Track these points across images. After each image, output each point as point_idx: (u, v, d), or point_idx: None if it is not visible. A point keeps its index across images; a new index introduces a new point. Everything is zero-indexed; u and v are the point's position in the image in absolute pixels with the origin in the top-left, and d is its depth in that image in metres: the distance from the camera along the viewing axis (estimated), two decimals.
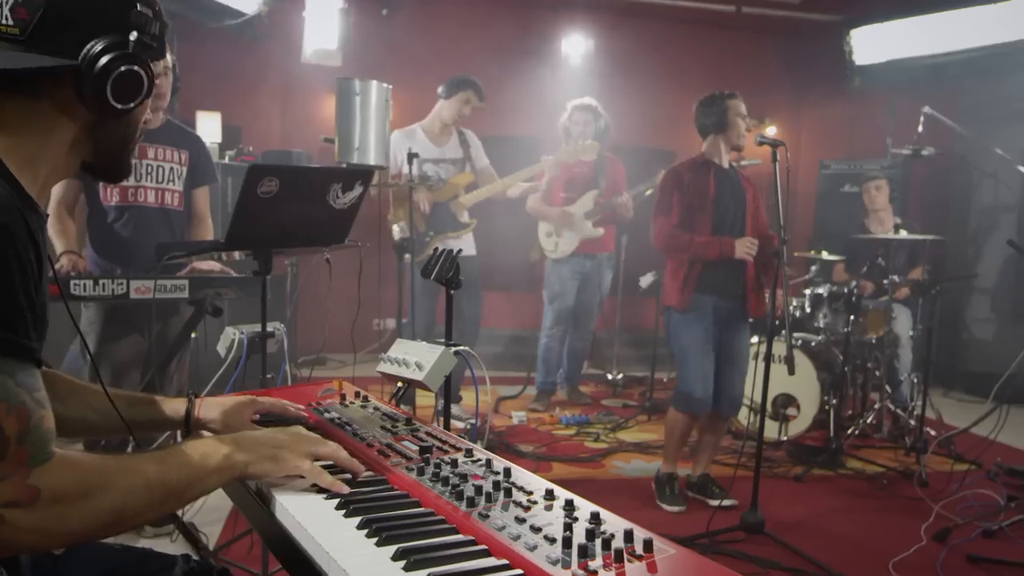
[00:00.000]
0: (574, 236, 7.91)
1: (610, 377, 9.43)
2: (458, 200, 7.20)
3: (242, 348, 3.86)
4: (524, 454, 6.50)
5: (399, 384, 2.81)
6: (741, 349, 5.62)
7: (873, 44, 10.28)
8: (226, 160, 8.59)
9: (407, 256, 6.37)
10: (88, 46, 1.62)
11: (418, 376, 2.67)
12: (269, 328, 3.88)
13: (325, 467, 1.89)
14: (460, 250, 3.15)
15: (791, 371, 4.95)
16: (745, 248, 5.32)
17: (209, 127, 8.73)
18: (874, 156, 10.66)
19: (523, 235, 8.49)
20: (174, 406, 2.22)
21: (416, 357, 2.73)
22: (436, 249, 3.14)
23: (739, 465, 5.52)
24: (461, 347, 2.79)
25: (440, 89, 7.26)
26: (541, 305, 8.39)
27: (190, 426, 2.23)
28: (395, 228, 6.97)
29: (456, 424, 7.05)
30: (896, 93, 10.64)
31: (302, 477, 1.87)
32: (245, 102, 10.06)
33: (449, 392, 3.05)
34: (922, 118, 7.69)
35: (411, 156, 6.02)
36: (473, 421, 6.88)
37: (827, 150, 11.54)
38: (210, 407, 2.25)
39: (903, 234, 7.29)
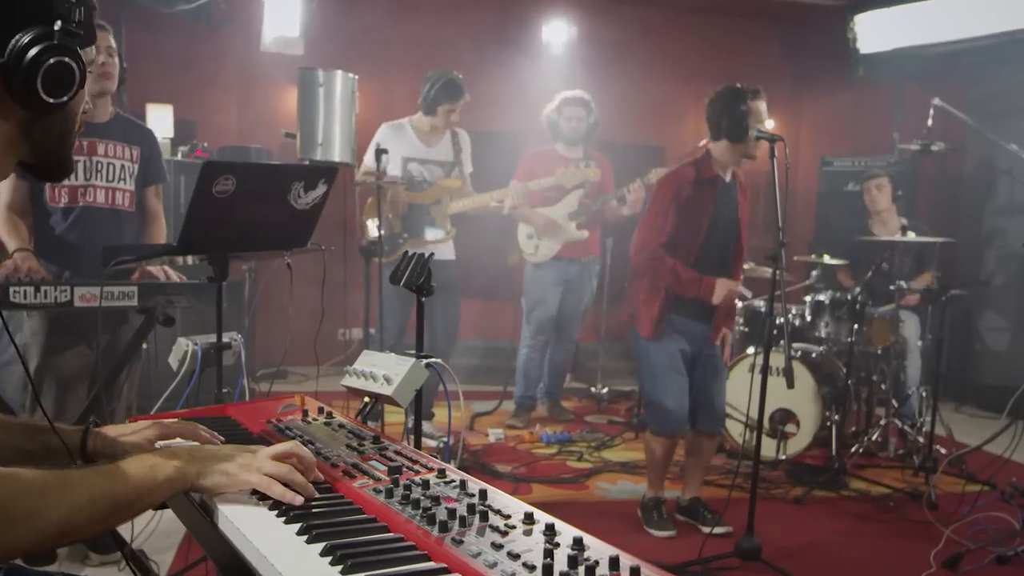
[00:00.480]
0: (557, 238, 7.93)
1: (594, 391, 9.45)
2: (441, 205, 7.23)
3: (196, 360, 3.86)
4: (501, 475, 6.52)
5: (366, 399, 2.82)
6: (721, 365, 5.67)
7: (879, 31, 10.33)
8: (179, 157, 8.57)
9: (375, 260, 6.38)
10: (12, 41, 1.63)
11: (386, 391, 2.68)
12: (225, 339, 3.88)
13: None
14: (432, 254, 3.15)
15: (790, 384, 4.96)
16: (723, 298, 5.36)
17: (160, 121, 8.72)
18: (880, 152, 10.70)
19: (499, 238, 8.51)
20: (71, 436, 2.23)
21: (384, 370, 2.73)
22: (406, 252, 3.14)
23: (734, 487, 5.55)
24: (433, 359, 2.80)
25: (420, 103, 7.26)
26: (517, 314, 8.43)
27: (86, 457, 2.24)
28: (369, 223, 6.98)
29: (428, 443, 7.07)
30: (903, 84, 10.74)
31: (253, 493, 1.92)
32: (200, 94, 10.05)
33: (420, 408, 3.06)
34: (931, 111, 7.73)
35: (379, 152, 6.04)
36: (446, 439, 6.90)
37: (829, 145, 11.61)
38: (108, 436, 2.28)
39: (911, 236, 7.33)
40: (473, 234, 8.28)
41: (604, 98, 8.61)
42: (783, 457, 7.07)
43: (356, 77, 5.42)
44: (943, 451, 7.15)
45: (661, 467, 5.72)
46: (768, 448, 6.99)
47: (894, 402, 7.54)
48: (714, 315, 5.53)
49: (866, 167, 9.97)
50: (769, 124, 10.53)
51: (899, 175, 8.73)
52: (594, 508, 6.04)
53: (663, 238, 5.34)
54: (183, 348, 3.89)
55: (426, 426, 7.33)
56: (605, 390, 9.41)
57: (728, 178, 5.50)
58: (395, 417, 6.58)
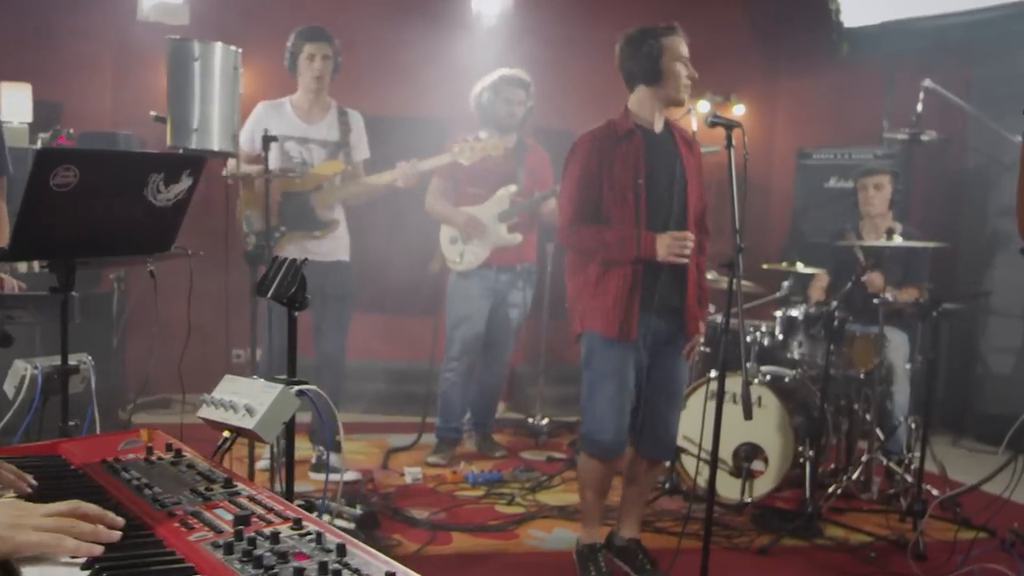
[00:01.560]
0: (485, 243, 7.88)
1: (532, 422, 9.36)
2: (323, 193, 7.18)
3: (36, 387, 3.78)
4: (417, 521, 6.43)
5: (225, 434, 2.76)
6: (680, 379, 5.63)
7: (866, 2, 10.33)
8: (39, 144, 8.45)
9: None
10: None
11: (247, 424, 2.60)
12: (72, 361, 3.81)
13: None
14: (305, 260, 3.08)
15: (747, 415, 4.91)
16: (668, 247, 5.21)
17: (17, 103, 8.57)
18: (867, 143, 10.69)
19: (419, 241, 8.46)
20: None
21: (247, 399, 2.66)
22: (276, 257, 3.08)
23: (685, 534, 5.51)
24: (308, 386, 2.74)
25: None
26: (442, 330, 8.34)
27: None
28: (242, 217, 6.94)
29: (335, 479, 7.00)
30: (895, 64, 10.76)
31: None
32: (66, 71, 9.88)
33: (292, 442, 3.00)
34: (922, 94, 7.74)
35: (267, 140, 5.97)
36: (348, 475, 6.88)
37: (809, 135, 11.53)
38: None
39: (898, 241, 7.29)
40: (388, 236, 8.22)
41: (545, 78, 8.58)
42: (748, 500, 7.03)
43: (239, 50, 5.35)
44: (935, 492, 7.15)
45: (597, 496, 5.64)
46: (731, 489, 7.00)
47: (879, 434, 7.53)
48: (684, 305, 5.47)
49: (852, 160, 9.98)
50: (738, 110, 10.63)
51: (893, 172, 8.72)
52: (525, 560, 5.97)
53: (584, 211, 5.32)
54: (20, 372, 3.82)
55: (334, 460, 7.26)
56: (545, 421, 9.34)
57: (659, 129, 5.48)
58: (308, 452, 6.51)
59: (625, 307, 5.30)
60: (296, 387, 2.70)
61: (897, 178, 8.19)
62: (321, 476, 7.16)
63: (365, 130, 7.55)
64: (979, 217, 10.43)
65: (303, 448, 7.49)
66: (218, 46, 5.25)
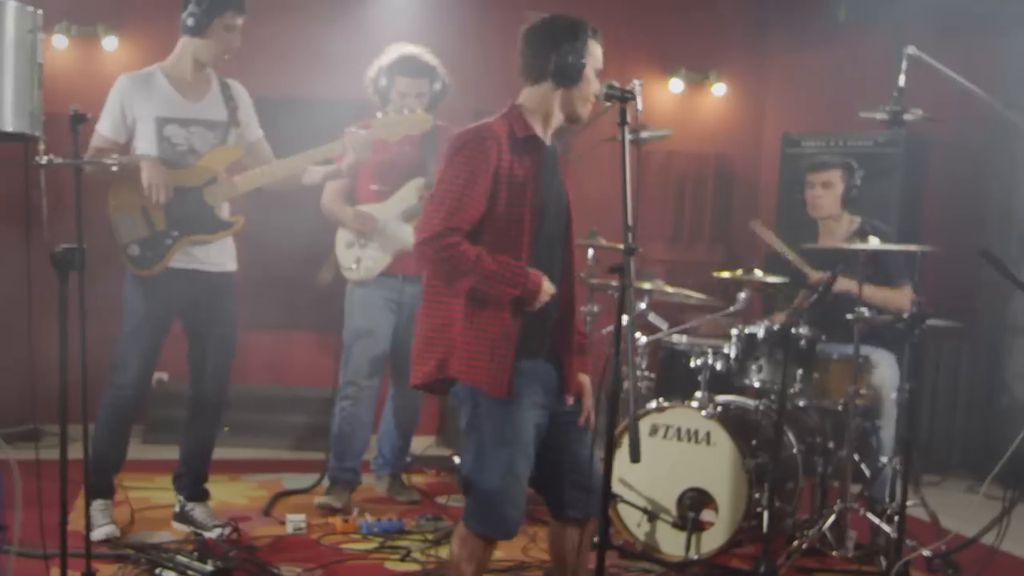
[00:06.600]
0: (386, 247, 7.68)
1: (459, 461, 8.95)
2: (219, 186, 6.90)
3: None
4: None
5: None
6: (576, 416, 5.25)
7: None
8: None
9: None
10: None
11: None
12: None
13: None
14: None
15: (634, 457, 4.66)
16: (543, 303, 4.93)
17: None
18: (868, 127, 10.42)
19: (324, 241, 8.24)
20: None
21: None
22: None
23: None
24: None
25: (185, 19, 6.79)
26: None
27: None
28: (116, 221, 6.72)
29: (206, 532, 6.83)
30: (905, 32, 10.49)
31: None
32: None
33: None
34: (904, 63, 7.57)
35: (76, 119, 5.69)
36: (218, 529, 6.68)
37: (805, 119, 11.23)
38: None
39: (874, 243, 7.01)
40: (294, 236, 8.05)
41: (462, 54, 8.37)
42: (695, 556, 6.81)
43: (39, 12, 5.13)
44: (926, 552, 6.81)
45: None
46: (674, 543, 6.82)
47: (865, 470, 7.35)
48: (564, 353, 5.16)
49: (846, 147, 9.81)
50: (718, 89, 10.53)
51: (890, 160, 8.52)
52: None
53: (463, 222, 4.85)
54: None
55: (199, 511, 7.04)
56: None
57: (548, 140, 5.16)
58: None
59: (502, 358, 4.89)
60: None
61: (852, 173, 7.99)
62: (183, 527, 7.05)
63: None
64: (1006, 220, 10.23)
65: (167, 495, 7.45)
66: (10, 4, 5.02)
